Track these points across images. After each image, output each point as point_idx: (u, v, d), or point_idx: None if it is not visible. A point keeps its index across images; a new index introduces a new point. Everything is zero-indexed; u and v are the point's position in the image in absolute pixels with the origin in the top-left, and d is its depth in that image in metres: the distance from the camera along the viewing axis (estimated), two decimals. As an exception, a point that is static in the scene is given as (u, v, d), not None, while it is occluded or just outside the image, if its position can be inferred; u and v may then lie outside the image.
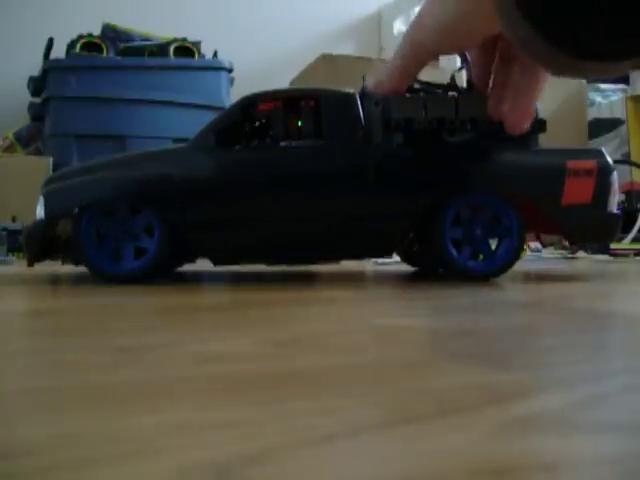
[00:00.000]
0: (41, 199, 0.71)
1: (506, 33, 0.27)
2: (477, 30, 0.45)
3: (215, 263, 0.74)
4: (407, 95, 0.73)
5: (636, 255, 1.28)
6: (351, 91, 0.73)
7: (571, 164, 0.73)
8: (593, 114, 1.84)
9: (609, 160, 0.75)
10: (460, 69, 0.80)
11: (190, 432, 0.18)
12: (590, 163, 0.74)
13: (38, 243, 0.71)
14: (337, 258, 0.78)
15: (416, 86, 0.77)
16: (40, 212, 0.70)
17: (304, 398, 0.22)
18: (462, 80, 0.79)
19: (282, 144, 0.72)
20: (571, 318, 0.46)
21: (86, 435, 0.18)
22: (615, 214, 0.76)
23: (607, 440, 0.18)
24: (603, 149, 0.79)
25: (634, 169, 1.68)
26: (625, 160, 1.72)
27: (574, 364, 0.29)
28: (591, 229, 0.75)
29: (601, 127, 1.84)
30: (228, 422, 0.19)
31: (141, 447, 0.17)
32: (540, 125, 0.75)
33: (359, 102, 0.73)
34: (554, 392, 0.23)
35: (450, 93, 0.77)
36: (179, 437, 0.18)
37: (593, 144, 1.79)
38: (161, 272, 0.75)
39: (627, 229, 1.30)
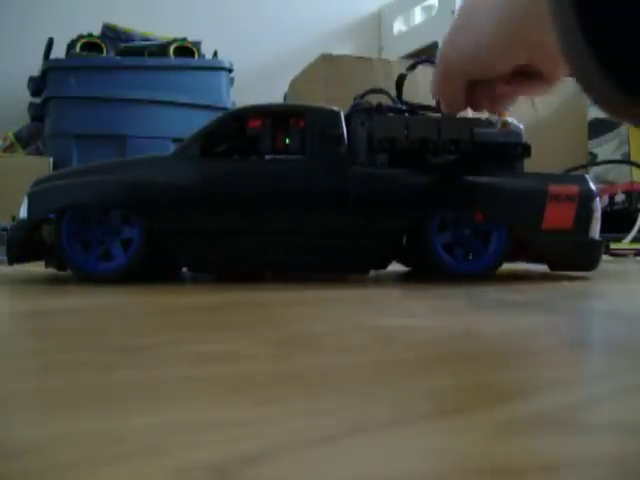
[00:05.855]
0: (25, 199, 0.71)
1: (572, 73, 0.27)
2: (505, 63, 0.49)
3: (192, 270, 0.74)
4: (391, 115, 0.75)
5: (636, 255, 1.28)
6: (336, 109, 0.74)
7: (553, 188, 0.73)
8: (593, 114, 1.83)
9: (592, 186, 0.75)
10: None
11: (190, 432, 0.18)
12: (573, 188, 0.74)
13: (20, 243, 0.71)
14: (315, 271, 0.79)
15: (401, 107, 0.78)
16: (23, 212, 0.71)
17: (304, 398, 0.22)
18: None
19: (267, 157, 0.72)
20: (571, 318, 0.46)
21: (86, 435, 0.18)
22: (597, 241, 0.76)
23: (607, 440, 0.18)
24: (587, 176, 0.79)
25: (634, 169, 1.68)
26: (625, 160, 1.71)
27: (574, 364, 0.29)
28: (571, 255, 0.75)
29: (601, 127, 1.84)
30: (228, 422, 0.19)
31: (141, 447, 0.17)
32: (525, 150, 0.76)
33: (343, 120, 0.73)
34: (554, 392, 0.23)
35: (434, 115, 0.78)
36: (179, 437, 0.18)
37: (593, 144, 1.79)
38: (152, 267, 0.75)
39: (627, 229, 1.30)
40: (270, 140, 0.73)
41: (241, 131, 0.75)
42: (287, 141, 0.73)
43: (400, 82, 0.82)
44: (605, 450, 0.17)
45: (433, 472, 0.16)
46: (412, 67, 0.84)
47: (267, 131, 0.73)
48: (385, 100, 0.80)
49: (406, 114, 0.77)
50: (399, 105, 0.79)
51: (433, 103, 0.81)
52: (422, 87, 1.27)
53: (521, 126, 0.78)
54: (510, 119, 0.77)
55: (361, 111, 0.75)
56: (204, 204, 0.70)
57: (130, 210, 0.70)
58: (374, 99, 0.80)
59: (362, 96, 0.84)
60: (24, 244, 0.72)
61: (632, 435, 0.19)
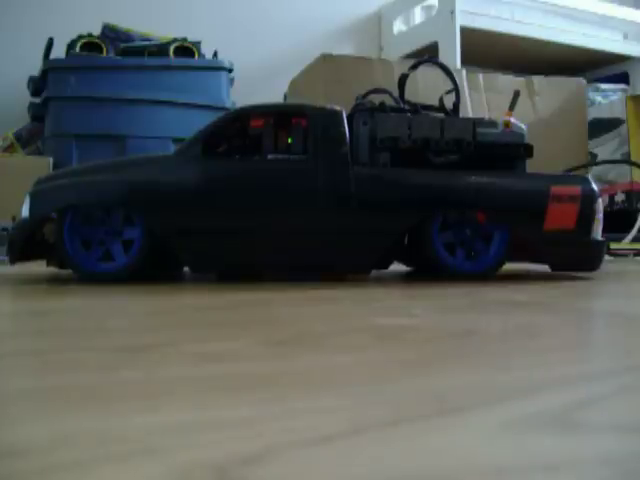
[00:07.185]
0: (27, 198, 0.71)
1: None
2: None
3: (193, 270, 0.74)
4: (393, 114, 0.75)
5: (636, 255, 1.28)
6: (338, 108, 0.74)
7: (555, 189, 0.73)
8: (593, 114, 1.83)
9: (594, 187, 0.76)
10: (449, 92, 0.81)
11: (190, 432, 0.18)
12: (575, 189, 0.74)
13: (22, 242, 0.71)
14: (317, 270, 0.78)
15: (404, 106, 0.78)
16: (25, 211, 0.71)
17: (304, 398, 0.22)
18: (449, 102, 0.80)
19: (269, 157, 0.72)
20: (571, 318, 0.46)
21: (86, 435, 0.18)
22: (599, 241, 0.76)
23: (607, 440, 0.18)
24: (589, 176, 0.79)
25: (634, 169, 1.68)
26: (625, 160, 1.71)
27: (574, 364, 0.29)
28: (573, 255, 0.75)
29: (601, 127, 1.84)
30: (228, 422, 0.19)
31: (141, 447, 0.17)
32: (527, 150, 0.76)
33: (345, 120, 0.73)
34: (554, 392, 0.23)
35: (437, 114, 0.78)
36: (179, 437, 0.18)
37: (593, 144, 1.79)
38: (152, 267, 0.75)
39: (627, 229, 1.30)
40: (272, 140, 0.73)
41: (243, 131, 0.75)
42: (289, 141, 0.73)
43: (402, 82, 0.82)
44: (605, 450, 0.17)
45: (433, 472, 0.16)
46: (414, 67, 0.84)
47: (269, 131, 0.73)
48: (387, 100, 0.81)
49: (408, 114, 0.77)
50: (401, 105, 0.79)
51: (435, 102, 0.81)
52: (423, 87, 1.28)
53: (524, 127, 0.78)
54: (513, 119, 0.77)
55: (363, 110, 0.75)
56: (206, 204, 0.70)
57: (132, 209, 0.70)
58: (376, 99, 0.80)
59: (364, 96, 0.84)
60: (26, 243, 0.72)
61: (632, 435, 0.19)
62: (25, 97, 1.65)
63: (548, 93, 1.53)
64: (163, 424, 0.19)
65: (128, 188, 0.69)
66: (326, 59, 1.36)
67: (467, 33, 1.89)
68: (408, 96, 0.82)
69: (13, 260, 0.72)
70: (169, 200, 0.69)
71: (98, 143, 1.54)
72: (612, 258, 1.23)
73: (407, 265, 0.90)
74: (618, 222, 1.34)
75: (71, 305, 0.53)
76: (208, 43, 1.75)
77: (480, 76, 1.48)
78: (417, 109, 0.78)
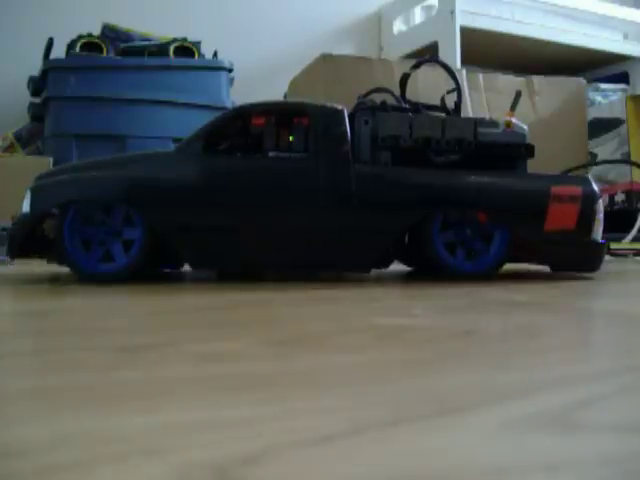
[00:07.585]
0: (28, 193, 0.71)
1: None
2: None
3: (194, 267, 0.74)
4: (395, 113, 0.75)
5: (636, 255, 1.28)
6: (339, 107, 0.74)
7: (555, 189, 0.73)
8: (593, 114, 1.83)
9: (595, 187, 0.76)
10: (450, 91, 0.81)
11: (190, 432, 0.18)
12: (575, 189, 0.74)
13: (22, 237, 0.71)
14: (317, 269, 0.78)
15: (405, 106, 0.78)
16: (26, 207, 0.71)
17: (304, 398, 0.22)
18: (451, 101, 0.80)
19: (270, 155, 0.72)
20: (571, 318, 0.46)
21: (86, 435, 0.18)
22: (599, 243, 0.76)
23: (607, 440, 0.18)
24: (590, 176, 0.79)
25: (634, 169, 1.68)
26: (625, 160, 1.71)
27: (574, 364, 0.29)
28: (574, 256, 0.75)
29: (601, 127, 1.84)
30: (228, 422, 0.19)
31: (141, 447, 0.17)
32: (528, 150, 0.76)
33: (347, 118, 0.73)
34: (554, 392, 0.23)
35: (438, 114, 0.78)
36: (179, 437, 0.18)
37: (593, 144, 1.79)
38: (152, 265, 0.75)
39: (627, 229, 1.30)
40: (273, 138, 0.73)
41: (244, 128, 0.75)
42: (290, 139, 0.73)
43: (404, 81, 0.82)
44: (605, 450, 0.17)
45: (433, 472, 0.16)
46: (416, 66, 0.84)
47: (270, 128, 0.73)
48: (389, 99, 0.80)
49: (410, 113, 0.77)
50: (403, 104, 0.79)
51: (435, 102, 0.81)
52: (423, 86, 1.28)
53: (525, 127, 0.78)
54: (514, 120, 0.77)
55: (365, 109, 0.75)
56: (207, 201, 0.70)
57: (132, 205, 0.70)
58: (377, 98, 0.80)
59: (366, 95, 0.84)
60: (26, 239, 0.72)
61: (632, 435, 0.19)
62: (25, 97, 1.65)
63: (548, 93, 1.53)
64: (163, 424, 0.19)
65: (129, 184, 0.69)
66: (326, 59, 1.36)
67: (467, 33, 1.89)
68: (408, 96, 0.82)
69: (13, 255, 0.72)
70: (170, 197, 0.69)
71: (98, 143, 1.54)
72: (612, 258, 1.23)
73: (407, 265, 0.90)
74: (618, 222, 1.34)
75: (71, 305, 0.53)
76: (208, 43, 1.75)
77: (480, 76, 1.48)
78: (418, 108, 0.78)
